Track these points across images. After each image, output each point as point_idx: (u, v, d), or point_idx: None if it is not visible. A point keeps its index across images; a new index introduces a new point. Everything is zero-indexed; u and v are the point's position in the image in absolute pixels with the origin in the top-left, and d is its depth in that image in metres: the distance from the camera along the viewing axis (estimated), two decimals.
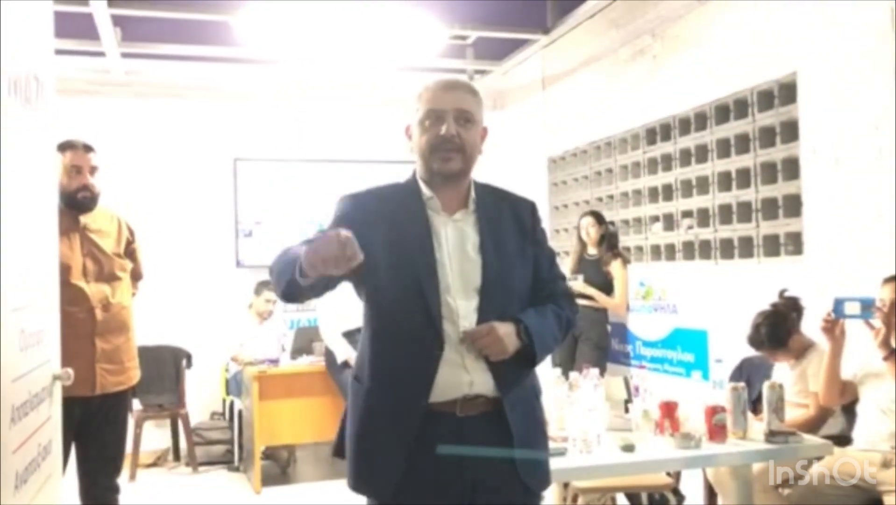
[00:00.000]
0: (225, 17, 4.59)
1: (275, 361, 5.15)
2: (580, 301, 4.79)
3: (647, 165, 4.96)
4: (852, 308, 2.89)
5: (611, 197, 5.36)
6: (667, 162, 4.77)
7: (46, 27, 2.03)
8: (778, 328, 3.29)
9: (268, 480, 5.01)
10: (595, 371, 3.08)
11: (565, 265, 5.25)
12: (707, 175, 4.42)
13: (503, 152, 5.79)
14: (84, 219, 2.97)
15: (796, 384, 3.27)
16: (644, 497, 3.61)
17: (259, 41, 4.96)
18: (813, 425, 3.17)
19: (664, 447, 2.71)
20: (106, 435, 2.99)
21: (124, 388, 3.04)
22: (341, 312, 4.73)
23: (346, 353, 4.79)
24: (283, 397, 4.97)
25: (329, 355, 4.96)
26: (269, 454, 5.36)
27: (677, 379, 4.70)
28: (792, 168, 3.87)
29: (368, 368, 1.82)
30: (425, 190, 1.85)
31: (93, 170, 2.97)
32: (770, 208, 4.00)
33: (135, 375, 3.10)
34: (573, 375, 3.15)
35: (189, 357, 5.53)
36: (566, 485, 3.22)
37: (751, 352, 3.53)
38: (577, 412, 2.71)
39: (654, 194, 4.90)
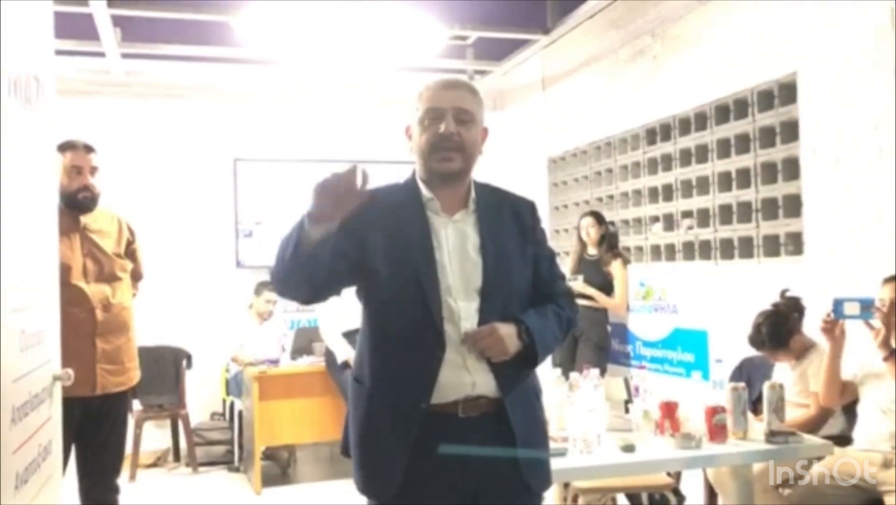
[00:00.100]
0: (225, 18, 4.59)
1: (275, 362, 5.15)
2: (580, 301, 4.79)
3: (647, 165, 4.96)
4: (851, 308, 2.89)
5: (611, 197, 5.36)
6: (667, 162, 4.77)
7: (46, 27, 2.02)
8: (779, 328, 3.29)
9: (268, 480, 5.01)
10: (595, 371, 3.08)
11: (565, 265, 5.25)
12: (707, 175, 4.42)
13: (503, 152, 5.79)
14: (84, 219, 2.97)
15: (797, 384, 3.28)
16: (644, 497, 3.61)
17: (259, 41, 4.96)
18: (813, 425, 3.17)
19: (664, 447, 2.71)
20: (106, 435, 2.99)
21: (125, 388, 3.04)
22: (341, 312, 4.73)
23: (346, 353, 4.79)
24: (284, 398, 4.97)
25: (329, 356, 4.96)
26: (269, 455, 5.35)
27: (677, 379, 4.70)
28: (792, 168, 3.87)
29: (369, 370, 1.82)
30: (425, 191, 1.84)
31: (93, 170, 2.97)
32: (770, 208, 4.00)
33: (135, 375, 3.10)
34: (573, 375, 3.15)
35: (189, 357, 5.53)
36: (566, 485, 3.22)
37: (751, 352, 3.53)
38: (578, 412, 2.71)
39: (654, 194, 4.90)
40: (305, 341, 5.45)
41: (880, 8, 3.35)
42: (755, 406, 3.17)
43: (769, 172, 4.01)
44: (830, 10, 3.60)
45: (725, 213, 4.29)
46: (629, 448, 2.64)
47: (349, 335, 4.83)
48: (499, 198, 1.93)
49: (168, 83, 5.95)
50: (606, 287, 5.03)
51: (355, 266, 1.76)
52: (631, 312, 5.15)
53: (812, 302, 3.34)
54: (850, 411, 3.22)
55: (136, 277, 3.22)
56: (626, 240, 5.19)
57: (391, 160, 5.16)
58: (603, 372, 3.73)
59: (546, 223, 2.03)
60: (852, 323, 2.98)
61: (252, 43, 4.97)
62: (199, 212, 6.07)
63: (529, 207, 1.95)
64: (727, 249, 4.30)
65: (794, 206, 3.86)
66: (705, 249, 4.47)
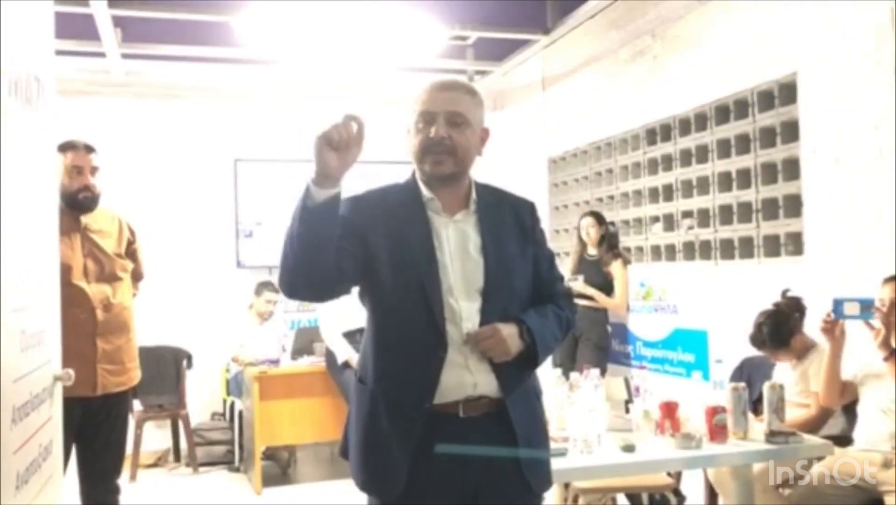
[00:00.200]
0: (225, 18, 4.60)
1: (275, 362, 5.15)
2: (581, 301, 4.80)
3: (647, 166, 4.96)
4: (851, 309, 2.89)
5: (611, 197, 5.36)
6: (667, 162, 4.77)
7: (47, 28, 2.02)
8: (780, 328, 3.29)
9: (268, 480, 5.01)
10: (595, 371, 3.08)
11: (565, 266, 5.25)
12: (707, 175, 4.42)
13: (503, 153, 5.79)
14: (85, 219, 2.97)
15: (798, 384, 3.28)
16: (645, 497, 3.61)
17: (259, 42, 4.96)
18: (814, 425, 3.17)
19: (665, 448, 2.71)
20: (107, 435, 2.99)
21: (125, 388, 3.04)
22: (341, 312, 4.73)
23: (346, 353, 4.79)
24: (284, 398, 4.97)
25: (329, 356, 4.96)
26: (269, 455, 5.35)
27: (678, 379, 4.70)
28: (792, 168, 3.87)
29: (373, 371, 1.82)
30: (425, 191, 1.84)
31: (94, 170, 2.97)
32: (770, 209, 4.00)
33: (136, 375, 3.10)
34: (574, 375, 3.15)
35: (189, 357, 5.53)
36: (567, 485, 3.22)
37: (751, 352, 3.53)
38: (578, 413, 2.71)
39: (654, 195, 4.90)
40: (306, 341, 5.46)
41: (880, 8, 3.35)
42: (755, 406, 3.17)
43: (769, 173, 4.01)
44: (830, 10, 3.60)
45: (726, 214, 4.29)
46: (629, 448, 2.64)
47: (349, 335, 4.83)
48: (499, 198, 1.93)
49: (168, 83, 5.95)
50: (607, 287, 5.03)
51: (362, 265, 1.76)
52: (631, 312, 5.15)
53: (812, 302, 3.35)
54: (850, 411, 3.22)
55: (136, 277, 3.22)
56: (627, 240, 5.19)
57: (391, 160, 5.17)
58: (603, 372, 3.73)
59: (546, 223, 2.04)
60: (852, 323, 2.98)
61: (252, 43, 4.98)
62: (199, 212, 6.07)
63: (529, 208, 1.95)
64: (727, 250, 4.30)
65: (794, 206, 3.86)
66: (705, 250, 4.47)
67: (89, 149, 2.98)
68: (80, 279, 2.90)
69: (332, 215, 1.68)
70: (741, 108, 4.18)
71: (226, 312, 5.74)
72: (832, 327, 3.01)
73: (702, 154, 4.47)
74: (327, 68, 5.68)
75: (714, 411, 2.74)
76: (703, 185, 4.46)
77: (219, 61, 5.53)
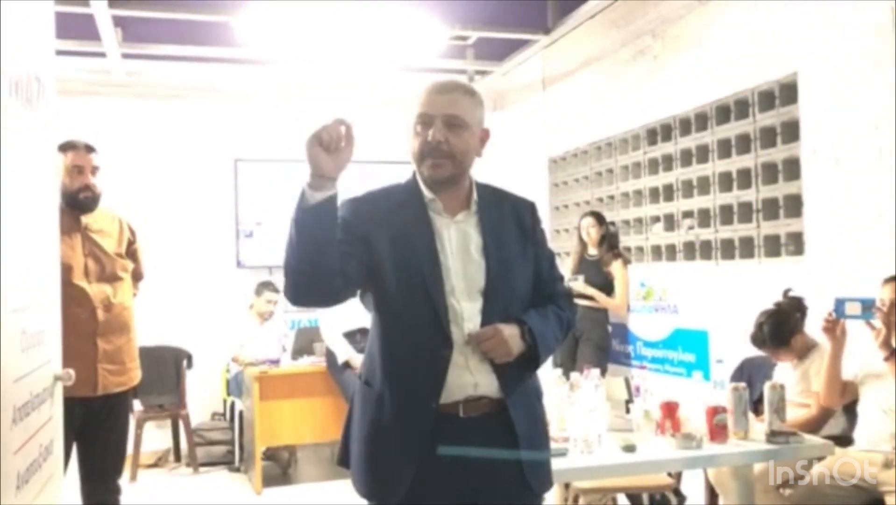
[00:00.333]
0: (225, 18, 4.60)
1: (275, 362, 5.15)
2: (581, 302, 4.80)
3: (647, 166, 4.96)
4: (853, 308, 2.89)
5: (611, 197, 5.36)
6: (667, 162, 4.77)
7: (47, 28, 2.02)
8: (781, 327, 3.29)
9: (269, 480, 5.01)
10: (596, 371, 3.07)
11: (566, 266, 5.25)
12: (708, 175, 4.42)
13: (503, 153, 5.79)
14: (85, 219, 2.97)
15: (799, 384, 3.28)
16: (645, 498, 3.61)
17: (259, 42, 4.96)
18: (814, 425, 3.17)
19: (665, 448, 2.71)
20: (107, 436, 2.99)
21: (126, 388, 3.04)
22: (342, 312, 4.72)
23: (346, 353, 4.79)
24: (284, 398, 4.97)
25: (330, 356, 4.96)
26: (269, 455, 5.35)
27: (678, 379, 4.70)
28: (793, 168, 3.87)
29: (380, 372, 1.81)
30: (426, 192, 1.84)
31: (94, 170, 2.97)
32: (771, 209, 4.00)
33: (136, 375, 3.10)
34: (574, 375, 3.15)
35: (190, 358, 5.53)
36: (567, 485, 3.22)
37: (752, 352, 3.53)
38: (578, 413, 2.71)
39: (654, 195, 4.90)
40: (306, 341, 5.46)
41: (880, 8, 3.35)
42: (756, 406, 3.17)
43: (770, 173, 4.01)
44: (831, 10, 3.60)
45: (726, 214, 4.29)
46: (630, 448, 2.64)
47: (350, 335, 4.83)
48: (500, 198, 1.93)
49: (168, 83, 5.95)
50: (607, 287, 5.03)
51: (366, 268, 1.76)
52: (631, 312, 5.15)
53: (813, 302, 3.35)
54: (851, 412, 3.21)
55: (136, 277, 3.22)
56: (627, 240, 5.18)
57: (391, 160, 5.18)
58: (604, 372, 3.73)
59: (546, 223, 2.04)
60: (853, 323, 2.98)
61: (252, 43, 4.98)
62: (199, 212, 6.08)
63: (530, 208, 1.95)
64: (728, 250, 4.30)
65: (794, 206, 3.86)
66: (706, 250, 4.47)
67: (90, 149, 2.98)
68: (81, 279, 2.90)
69: (330, 217, 1.67)
70: (742, 108, 4.18)
71: (226, 312, 5.74)
72: (833, 327, 3.01)
73: (702, 154, 4.47)
74: (327, 68, 5.69)
75: (715, 411, 2.74)
76: (703, 185, 4.46)
77: (219, 61, 5.53)
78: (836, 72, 3.59)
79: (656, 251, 4.93)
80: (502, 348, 1.75)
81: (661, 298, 4.88)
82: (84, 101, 5.56)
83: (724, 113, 4.31)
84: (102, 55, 5.09)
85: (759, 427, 2.86)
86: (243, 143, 6.18)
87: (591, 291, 4.96)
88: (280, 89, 6.14)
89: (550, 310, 1.89)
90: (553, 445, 2.16)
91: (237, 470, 5.35)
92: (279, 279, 1.80)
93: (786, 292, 3.41)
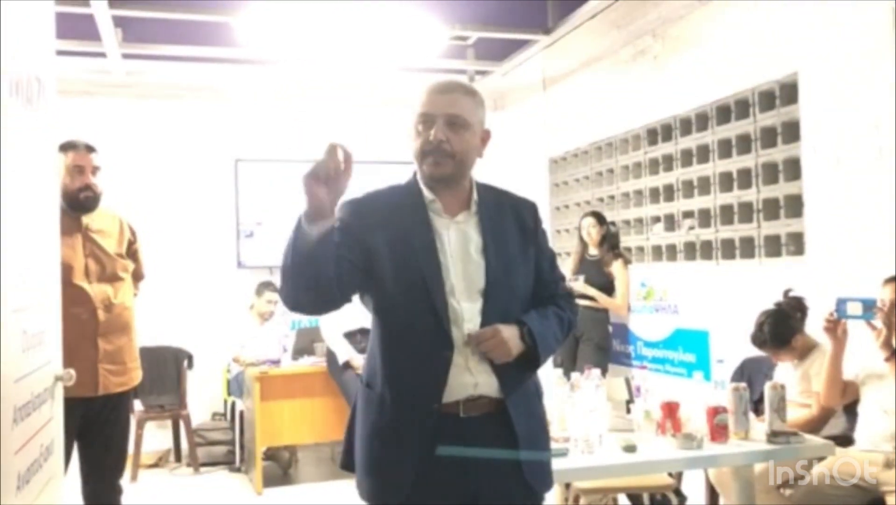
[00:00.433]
0: (225, 18, 4.59)
1: (276, 362, 5.15)
2: (582, 302, 4.80)
3: (648, 166, 4.96)
4: (854, 308, 2.89)
5: (612, 197, 5.35)
6: (668, 162, 4.77)
7: (48, 28, 2.02)
8: (781, 327, 3.29)
9: (269, 480, 5.01)
10: (597, 372, 3.07)
11: (566, 266, 5.25)
12: (708, 175, 4.42)
13: (504, 153, 5.78)
14: (86, 219, 2.97)
15: (799, 384, 3.27)
16: (646, 498, 3.61)
17: (259, 42, 4.96)
18: (815, 425, 3.17)
19: (666, 448, 2.71)
20: (108, 436, 2.99)
21: (126, 388, 3.04)
22: (342, 312, 4.72)
23: (347, 353, 4.79)
24: (285, 398, 4.97)
25: (330, 356, 4.95)
26: (270, 455, 5.35)
27: (679, 379, 4.69)
28: (793, 168, 3.87)
29: (381, 374, 1.81)
30: (427, 192, 1.84)
31: (95, 170, 2.97)
32: (771, 209, 4.00)
33: (137, 375, 3.10)
34: (575, 375, 3.14)
35: (190, 358, 5.53)
36: (568, 486, 3.22)
37: (752, 352, 3.53)
38: (579, 413, 2.70)
39: (655, 195, 4.90)
40: (307, 342, 5.45)
41: (880, 8, 3.35)
42: (757, 406, 3.17)
43: (770, 173, 4.00)
44: (831, 10, 3.60)
45: (727, 214, 4.29)
46: (630, 448, 2.64)
47: (350, 336, 4.83)
48: (501, 199, 1.92)
49: (169, 83, 5.95)
50: (607, 287, 5.03)
51: (363, 273, 1.76)
52: (632, 312, 5.15)
53: (813, 302, 3.35)
54: (851, 412, 3.21)
55: (137, 277, 3.22)
56: (627, 240, 5.18)
57: (391, 161, 5.18)
58: (604, 372, 3.73)
59: (547, 224, 2.04)
60: (854, 323, 2.98)
61: (252, 43, 4.98)
62: (200, 212, 6.08)
63: (531, 209, 1.95)
64: (728, 250, 4.30)
65: (795, 206, 3.86)
66: (706, 250, 4.47)
67: (90, 148, 2.98)
68: (82, 279, 2.90)
69: (327, 247, 1.66)
70: (742, 108, 4.18)
71: (227, 313, 5.74)
72: (835, 327, 3.01)
73: (703, 154, 4.47)
74: (327, 68, 5.68)
75: (715, 411, 2.74)
76: (704, 185, 4.46)
77: (219, 61, 5.53)
78: (837, 72, 3.59)
79: (657, 251, 4.93)
80: (501, 349, 1.75)
81: (662, 298, 4.88)
82: (84, 101, 5.57)
83: (724, 113, 4.31)
84: (102, 55, 5.09)
85: (759, 427, 2.86)
86: (243, 143, 6.18)
87: (591, 291, 4.96)
88: (280, 89, 6.14)
89: (551, 310, 1.89)
90: (554, 445, 2.16)
91: (238, 470, 5.35)
92: (279, 279, 1.80)
93: (786, 292, 3.40)
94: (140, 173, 5.79)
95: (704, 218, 4.47)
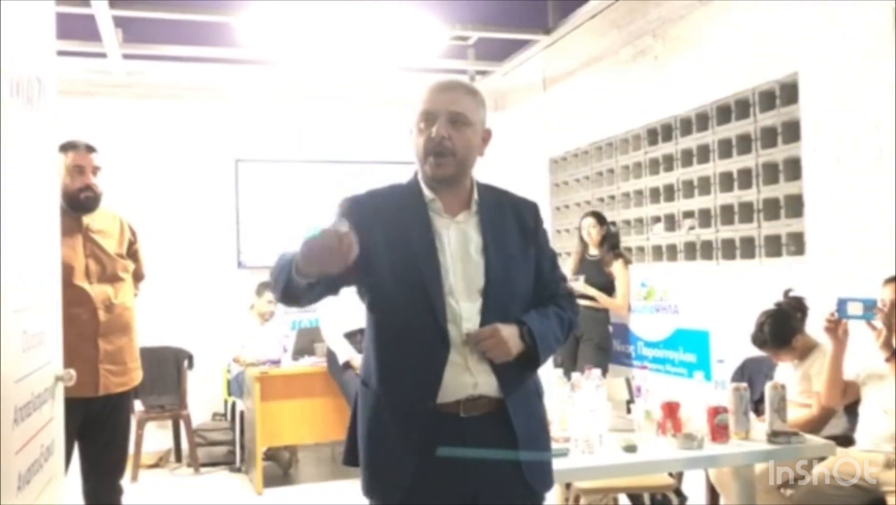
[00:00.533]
0: (226, 18, 4.60)
1: (276, 362, 5.15)
2: (582, 302, 4.79)
3: (648, 166, 4.96)
4: (855, 308, 2.89)
5: (612, 197, 5.35)
6: (668, 162, 4.77)
7: (48, 28, 2.03)
8: (781, 327, 3.29)
9: (269, 480, 5.01)
10: (597, 372, 3.07)
11: (567, 266, 5.25)
12: (708, 175, 4.42)
13: (504, 153, 5.78)
14: (86, 219, 2.97)
15: (800, 384, 3.27)
16: (646, 498, 3.61)
17: (260, 42, 4.96)
18: (816, 426, 3.17)
19: (666, 448, 2.71)
20: (109, 436, 2.99)
21: (127, 388, 3.04)
22: (342, 312, 4.73)
23: (347, 353, 4.79)
24: (285, 398, 4.97)
25: (331, 356, 4.95)
26: (270, 455, 5.35)
27: (679, 379, 4.69)
28: (794, 168, 3.87)
29: (376, 372, 1.81)
30: (427, 192, 1.84)
31: (95, 170, 2.96)
32: (772, 209, 4.00)
33: (137, 375, 3.10)
34: (575, 375, 3.14)
35: (191, 358, 5.53)
36: (568, 486, 3.22)
37: (753, 352, 3.53)
38: (579, 413, 2.70)
39: (655, 195, 4.90)
40: (307, 342, 5.45)
41: (880, 8, 3.35)
42: (757, 406, 3.16)
43: (771, 173, 4.00)
44: (831, 10, 3.60)
45: (727, 214, 4.29)
46: (631, 448, 2.64)
47: (350, 336, 4.83)
48: (501, 199, 1.92)
49: (169, 84, 5.96)
50: (608, 287, 5.03)
51: (359, 270, 1.76)
52: (632, 312, 5.15)
53: (813, 302, 3.34)
54: (852, 412, 3.21)
55: (137, 277, 3.22)
56: (628, 240, 5.18)
57: (392, 160, 5.19)
58: (604, 372, 3.73)
59: (547, 224, 2.03)
60: (854, 323, 2.98)
61: (252, 43, 4.98)
62: (200, 212, 6.08)
63: (532, 209, 1.95)
64: (729, 250, 4.30)
65: (795, 206, 3.86)
66: (707, 250, 4.47)
67: (90, 149, 2.98)
68: (82, 280, 2.89)
69: (313, 292, 1.73)
70: (742, 108, 4.18)
71: (227, 313, 5.74)
72: (835, 327, 3.00)
73: (703, 154, 4.47)
74: (327, 68, 5.68)
75: (716, 411, 2.74)
76: (704, 186, 4.46)
77: (219, 61, 5.53)
78: (837, 72, 3.59)
79: (657, 251, 4.93)
80: (501, 348, 1.74)
81: (662, 298, 4.88)
82: (84, 101, 5.57)
83: (724, 113, 4.31)
84: (103, 56, 5.09)
85: (760, 427, 2.85)
86: (244, 143, 6.19)
87: (591, 291, 4.96)
88: (280, 89, 6.14)
89: (552, 310, 1.89)
90: (554, 445, 2.16)
91: (238, 470, 5.35)
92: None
93: (787, 292, 3.40)
94: (140, 173, 5.79)
95: (705, 218, 4.47)
